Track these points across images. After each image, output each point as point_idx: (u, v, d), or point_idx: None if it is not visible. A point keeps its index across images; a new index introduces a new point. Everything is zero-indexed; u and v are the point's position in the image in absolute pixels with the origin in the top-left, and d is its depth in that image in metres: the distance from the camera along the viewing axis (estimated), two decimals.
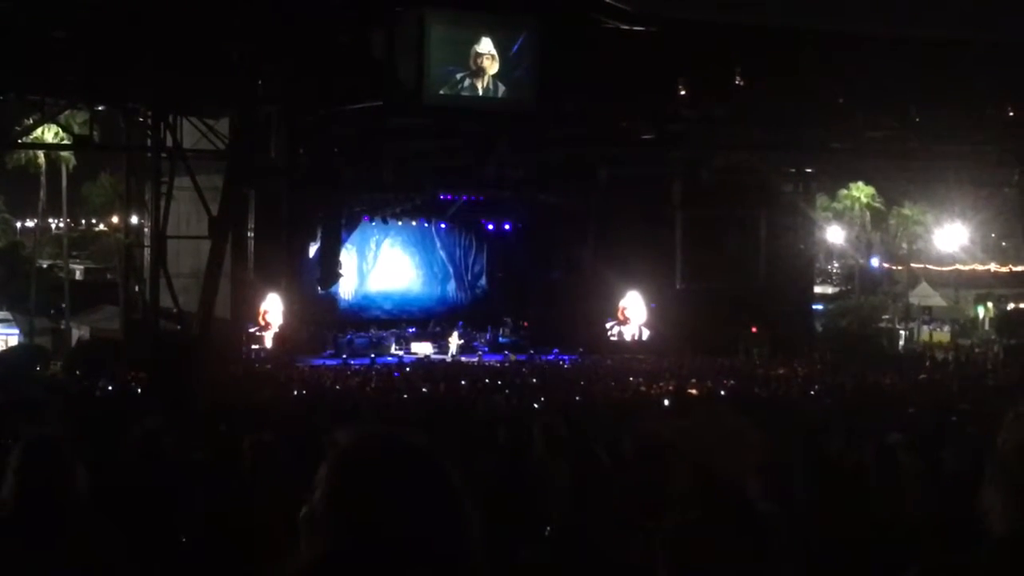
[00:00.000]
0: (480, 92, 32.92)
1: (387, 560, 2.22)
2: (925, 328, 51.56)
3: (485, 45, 32.73)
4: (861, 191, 56.10)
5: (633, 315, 40.57)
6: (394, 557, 2.23)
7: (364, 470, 2.32)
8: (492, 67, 32.77)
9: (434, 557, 2.25)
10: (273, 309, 35.49)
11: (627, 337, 40.33)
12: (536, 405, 18.83)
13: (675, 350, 35.84)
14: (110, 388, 23.77)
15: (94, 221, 63.69)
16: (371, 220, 40.44)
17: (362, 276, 42.56)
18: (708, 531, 3.13)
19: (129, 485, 6.38)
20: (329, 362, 34.99)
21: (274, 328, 35.57)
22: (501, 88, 33.00)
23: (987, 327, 50.75)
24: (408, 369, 32.56)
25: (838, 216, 56.71)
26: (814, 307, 48.26)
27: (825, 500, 5.96)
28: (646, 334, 40.23)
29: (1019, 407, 2.92)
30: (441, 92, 32.67)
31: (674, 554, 3.14)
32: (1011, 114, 35.27)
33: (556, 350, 38.22)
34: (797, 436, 8.74)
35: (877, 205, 57.40)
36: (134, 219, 37.65)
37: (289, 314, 35.59)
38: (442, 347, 38.93)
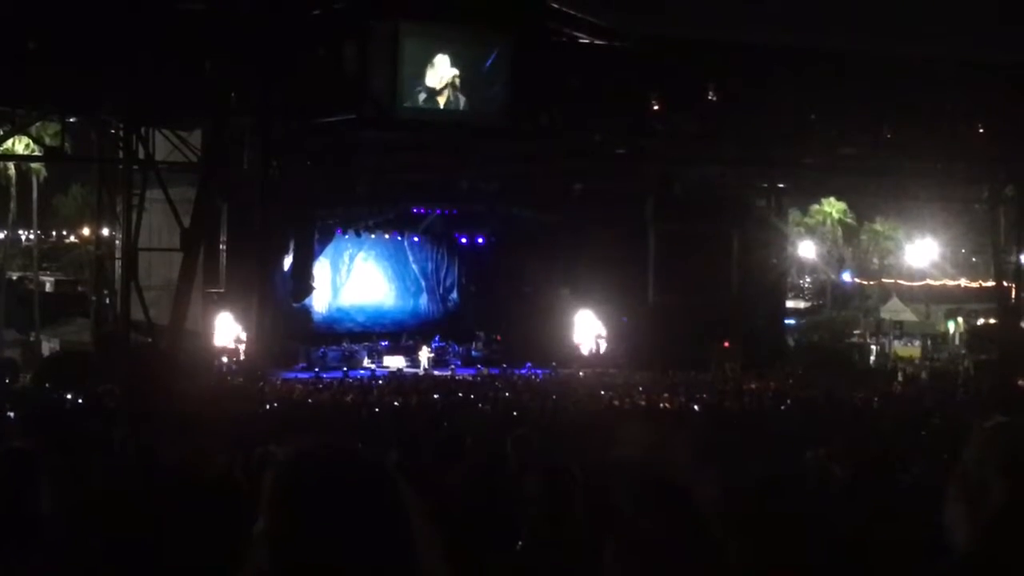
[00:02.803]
0: (441, 106, 32.88)
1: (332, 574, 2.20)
2: (896, 343, 51.79)
3: (440, 61, 32.68)
4: (833, 206, 56.48)
5: (583, 330, 40.70)
6: (338, 571, 2.20)
7: (304, 485, 2.29)
8: (448, 77, 32.71)
9: (379, 571, 2.21)
10: (223, 324, 34.94)
11: (584, 352, 40.32)
12: (508, 419, 18.82)
13: (648, 364, 35.86)
14: (80, 401, 23.60)
15: (65, 233, 63.36)
16: (344, 233, 40.39)
17: (336, 289, 42.46)
18: (660, 538, 3.15)
19: (123, 497, 6.35)
20: (301, 375, 34.85)
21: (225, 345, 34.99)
22: (463, 100, 32.97)
23: (957, 342, 51.03)
24: (381, 382, 32.47)
25: (810, 231, 57.04)
26: (786, 322, 48.41)
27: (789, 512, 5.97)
28: (603, 347, 40.28)
29: (982, 423, 2.95)
30: (406, 105, 32.69)
31: (627, 562, 3.15)
32: (981, 131, 35.55)
33: (529, 364, 38.18)
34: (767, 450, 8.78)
35: (849, 220, 57.80)
36: (105, 231, 37.47)
37: (253, 328, 35.23)
38: (415, 361, 38.86)
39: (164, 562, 5.73)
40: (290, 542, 2.24)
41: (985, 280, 51.93)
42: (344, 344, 39.54)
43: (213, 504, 6.29)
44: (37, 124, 35.43)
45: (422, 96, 32.65)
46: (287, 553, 2.24)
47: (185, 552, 5.86)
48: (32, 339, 45.85)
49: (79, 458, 7.81)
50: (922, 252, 56.90)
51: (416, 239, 43.42)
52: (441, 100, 32.90)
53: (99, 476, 7.33)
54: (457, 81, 32.77)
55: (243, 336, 34.90)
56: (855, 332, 53.56)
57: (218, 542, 5.78)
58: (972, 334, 49.42)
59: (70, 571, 3.96)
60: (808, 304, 63.17)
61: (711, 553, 3.13)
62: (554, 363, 38.43)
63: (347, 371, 35.88)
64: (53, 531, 3.99)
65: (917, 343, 51.53)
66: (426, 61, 32.67)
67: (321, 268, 40.06)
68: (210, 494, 6.44)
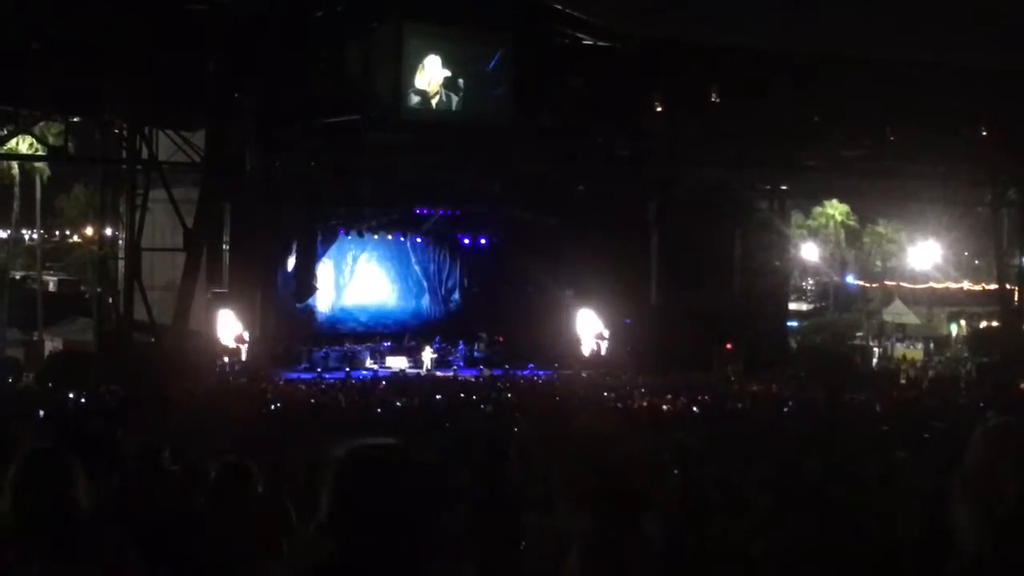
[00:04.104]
0: (434, 105, 32.88)
1: (391, 556, 2.42)
2: (899, 345, 51.76)
3: (431, 63, 32.68)
4: (836, 209, 56.44)
5: (585, 332, 40.69)
6: (398, 552, 2.43)
7: (362, 478, 2.56)
8: (439, 79, 32.74)
9: (428, 550, 2.44)
10: (226, 324, 34.85)
11: (585, 353, 40.31)
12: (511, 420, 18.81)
13: (650, 366, 35.83)
14: (83, 400, 23.62)
15: (68, 232, 63.33)
16: (347, 234, 40.41)
17: (339, 290, 42.47)
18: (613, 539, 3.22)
19: (129, 499, 6.36)
20: (304, 376, 34.85)
21: (227, 343, 34.92)
22: (455, 99, 32.96)
23: (960, 345, 51.00)
24: (383, 383, 32.49)
25: (813, 233, 57.00)
26: (789, 324, 48.39)
27: (802, 522, 5.95)
28: (604, 348, 40.27)
29: (985, 425, 2.94)
30: (408, 106, 32.75)
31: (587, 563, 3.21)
32: (984, 134, 35.55)
33: (531, 365, 38.19)
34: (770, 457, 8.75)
35: (851, 223, 57.74)
36: (108, 231, 37.50)
37: (256, 328, 35.20)
38: (417, 361, 38.86)
39: (169, 562, 5.75)
40: (348, 527, 2.51)
41: (988, 283, 51.96)
42: (347, 344, 39.55)
43: (217, 505, 6.31)
44: (41, 124, 35.47)
45: (415, 99, 32.63)
46: (347, 536, 2.48)
47: (189, 552, 5.88)
48: (35, 338, 45.83)
49: (84, 458, 7.81)
50: (925, 255, 56.84)
51: (419, 240, 43.42)
52: (433, 102, 32.89)
53: (102, 476, 7.33)
54: (448, 81, 32.75)
55: (246, 336, 34.90)
56: (857, 335, 53.54)
57: (222, 542, 5.80)
58: (975, 337, 49.39)
59: (106, 567, 3.94)
60: (810, 306, 63.11)
61: (647, 550, 3.19)
62: (556, 364, 38.43)
63: (349, 372, 35.90)
64: (88, 529, 3.95)
65: (919, 346, 51.52)
66: (418, 63, 32.67)
67: (325, 268, 40.11)
68: (214, 495, 6.45)
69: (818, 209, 56.84)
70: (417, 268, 44.19)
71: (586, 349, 40.58)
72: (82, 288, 52.88)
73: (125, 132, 32.15)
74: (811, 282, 65.52)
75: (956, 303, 56.01)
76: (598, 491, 3.30)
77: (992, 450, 2.84)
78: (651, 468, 3.54)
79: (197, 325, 32.27)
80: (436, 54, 32.57)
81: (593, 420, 3.58)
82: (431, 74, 32.48)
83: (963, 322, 52.95)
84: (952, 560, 2.84)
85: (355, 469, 2.60)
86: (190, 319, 30.65)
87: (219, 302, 34.52)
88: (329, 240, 39.65)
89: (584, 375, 36.17)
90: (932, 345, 52.21)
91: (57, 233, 63.37)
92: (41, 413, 17.53)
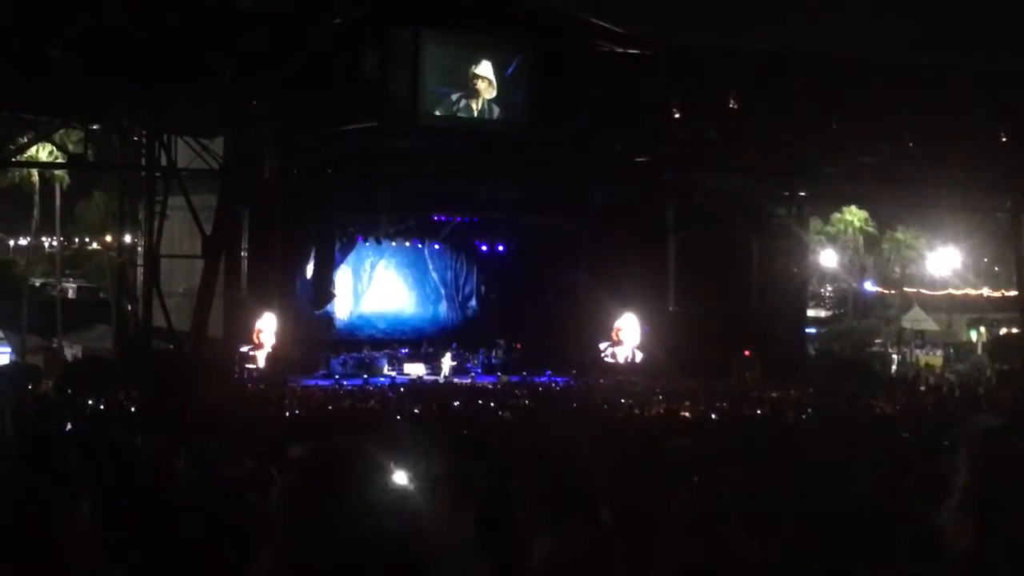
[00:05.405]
0: (475, 113, 32.97)
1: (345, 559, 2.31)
2: (918, 352, 51.62)
3: (484, 68, 32.83)
4: (854, 215, 56.34)
5: (627, 337, 40.51)
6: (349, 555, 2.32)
7: (316, 478, 2.44)
8: (489, 91, 32.87)
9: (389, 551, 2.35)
10: (268, 328, 35.30)
11: (620, 359, 40.25)
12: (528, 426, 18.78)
13: (668, 372, 35.80)
14: (102, 407, 23.70)
15: (87, 239, 63.64)
16: (365, 241, 40.48)
17: (357, 297, 42.54)
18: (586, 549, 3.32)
19: (141, 505, 6.37)
20: (322, 382, 34.92)
21: (267, 348, 35.36)
22: (496, 111, 33.08)
23: (980, 351, 50.80)
24: (401, 390, 32.51)
25: (831, 240, 56.92)
26: (807, 330, 48.27)
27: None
28: (639, 356, 40.17)
29: (970, 429, 3.05)
30: (437, 113, 32.78)
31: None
32: (1004, 140, 35.41)
33: (549, 372, 38.14)
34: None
35: (870, 229, 57.64)
36: (127, 238, 37.66)
37: (283, 334, 35.44)
38: (435, 368, 38.86)
39: (185, 566, 5.76)
40: (311, 525, 2.36)
41: (1008, 289, 51.70)
42: (365, 351, 39.58)
43: (235, 511, 6.30)
44: (60, 131, 35.64)
45: (461, 101, 32.67)
46: (307, 536, 2.35)
47: (205, 558, 5.88)
48: (55, 345, 46.03)
49: (102, 465, 7.84)
50: (944, 261, 56.70)
51: (436, 247, 43.47)
52: (475, 105, 32.95)
53: (120, 483, 7.35)
54: (493, 92, 32.84)
55: (265, 342, 35.01)
56: (877, 341, 53.42)
57: (239, 549, 5.79)
58: (995, 343, 49.19)
59: None
60: (829, 313, 63.04)
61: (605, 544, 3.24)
62: (574, 371, 38.39)
63: (367, 378, 35.94)
64: (86, 542, 3.88)
65: (939, 352, 51.37)
66: (452, 68, 32.74)
67: (343, 276, 40.20)
68: (232, 501, 6.45)
69: (837, 215, 56.76)
70: (435, 275, 44.24)
71: (605, 355, 40.50)
72: (101, 295, 53.13)
73: (144, 139, 32.26)
74: (830, 289, 65.43)
75: (976, 309, 55.83)
76: (551, 491, 3.40)
77: (976, 455, 2.94)
78: (607, 469, 3.65)
79: (216, 332, 32.36)
80: (488, 60, 32.75)
81: (547, 426, 3.68)
82: (484, 72, 32.70)
83: (983, 329, 52.79)
84: (938, 560, 2.92)
85: (314, 468, 2.51)
86: (209, 326, 30.71)
87: (237, 309, 34.62)
88: (347, 247, 39.74)
89: (602, 382, 36.12)
90: (952, 352, 52.05)
91: (76, 240, 63.77)
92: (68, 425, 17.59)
